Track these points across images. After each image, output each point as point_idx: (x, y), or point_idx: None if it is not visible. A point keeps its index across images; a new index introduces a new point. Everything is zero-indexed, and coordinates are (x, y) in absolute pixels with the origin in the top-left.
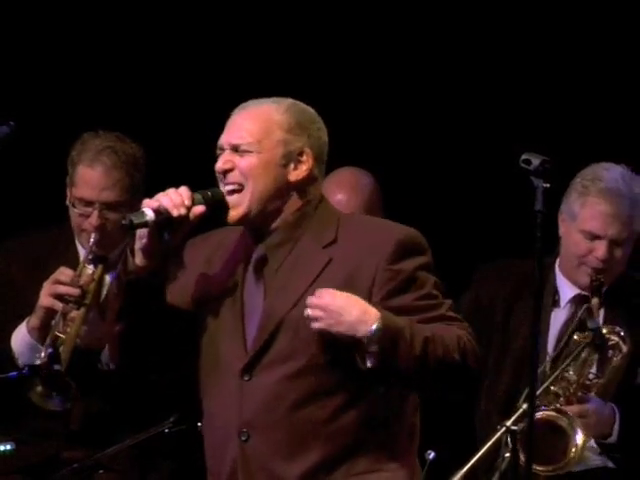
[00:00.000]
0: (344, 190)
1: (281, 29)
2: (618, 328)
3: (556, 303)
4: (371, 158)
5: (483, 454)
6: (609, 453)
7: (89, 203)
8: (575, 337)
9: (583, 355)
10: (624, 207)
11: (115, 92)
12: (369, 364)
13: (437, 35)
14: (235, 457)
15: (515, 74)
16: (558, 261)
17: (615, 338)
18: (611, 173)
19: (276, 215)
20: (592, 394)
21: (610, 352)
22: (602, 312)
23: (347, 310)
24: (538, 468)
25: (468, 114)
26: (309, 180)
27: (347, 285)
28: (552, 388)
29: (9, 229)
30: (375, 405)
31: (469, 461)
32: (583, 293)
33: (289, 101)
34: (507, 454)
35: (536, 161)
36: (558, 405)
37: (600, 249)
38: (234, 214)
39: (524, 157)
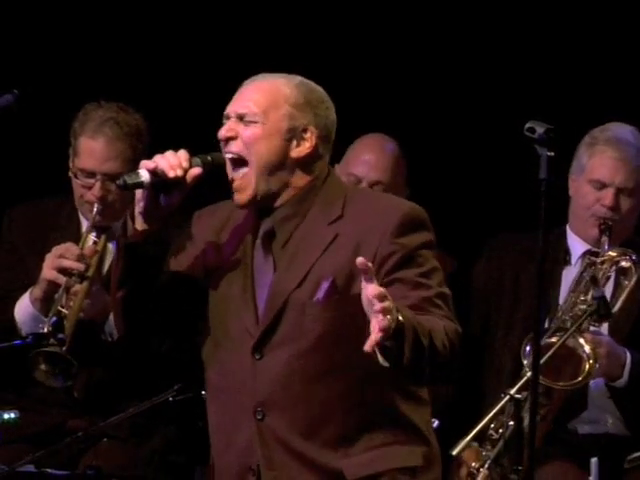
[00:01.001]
0: (373, 151)
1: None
2: (630, 251)
3: (567, 261)
4: (383, 129)
5: (487, 422)
6: (618, 399)
7: (91, 174)
8: (581, 297)
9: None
10: (632, 155)
11: (119, 61)
12: (384, 359)
13: (441, 11)
14: (251, 435)
15: (521, 44)
16: (569, 223)
17: (627, 263)
18: (619, 127)
19: (282, 191)
20: (605, 326)
21: (622, 277)
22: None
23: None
24: (559, 384)
25: (474, 87)
26: (313, 157)
27: (351, 267)
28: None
29: (12, 199)
30: (389, 381)
31: (473, 429)
32: (593, 249)
33: (299, 78)
34: (511, 422)
35: (540, 129)
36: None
37: (607, 197)
38: (240, 198)
39: (528, 125)
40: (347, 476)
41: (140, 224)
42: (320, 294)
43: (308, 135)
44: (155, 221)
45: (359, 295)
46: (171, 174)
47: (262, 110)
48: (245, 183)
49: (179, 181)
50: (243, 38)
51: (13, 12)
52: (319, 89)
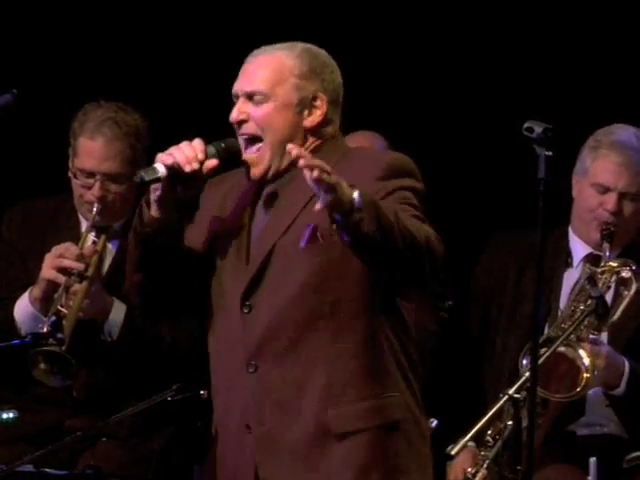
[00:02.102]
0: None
1: None
2: (631, 262)
3: (569, 264)
4: (380, 127)
5: (486, 422)
6: (616, 407)
7: (91, 174)
8: (581, 307)
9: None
10: (635, 160)
11: (119, 61)
12: (348, 236)
13: (439, 11)
14: (245, 390)
15: (521, 43)
16: (571, 225)
17: (627, 273)
18: (623, 130)
19: (296, 160)
20: (604, 334)
21: (622, 288)
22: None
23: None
24: (556, 396)
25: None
26: (324, 123)
27: None
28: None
29: (11, 198)
30: (374, 327)
31: (472, 429)
32: (595, 252)
33: (301, 46)
34: (510, 422)
35: (539, 129)
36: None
37: (610, 202)
38: (256, 171)
39: (527, 125)
40: (333, 429)
41: (155, 212)
42: (303, 240)
43: (318, 103)
44: (171, 209)
45: (341, 242)
46: (188, 168)
47: (269, 87)
48: (260, 156)
49: (196, 174)
50: (240, 36)
51: (13, 12)
52: (322, 53)
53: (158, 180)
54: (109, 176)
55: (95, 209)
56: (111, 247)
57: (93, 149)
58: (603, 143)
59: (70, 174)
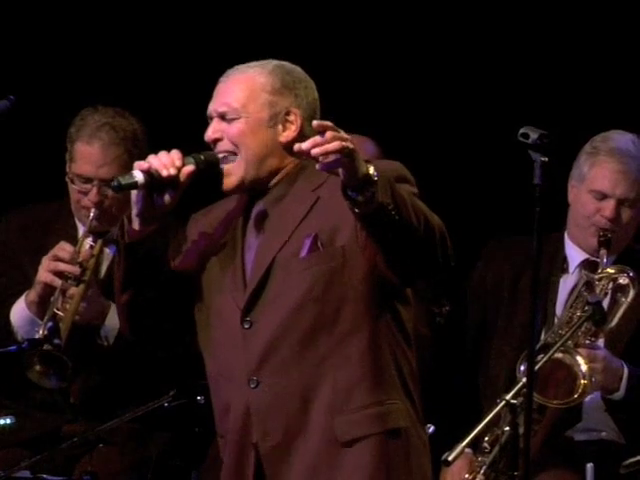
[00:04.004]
0: None
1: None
2: (628, 269)
3: (565, 269)
4: (375, 133)
5: (482, 428)
6: (614, 412)
7: (88, 180)
8: (578, 313)
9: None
10: (633, 167)
11: (117, 66)
12: (360, 209)
13: (438, 15)
14: (247, 406)
15: (517, 49)
16: (567, 230)
17: (624, 280)
18: (621, 136)
19: (273, 175)
20: (601, 340)
21: (619, 294)
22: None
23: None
24: (553, 402)
25: (470, 92)
26: (301, 138)
27: (333, 223)
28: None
29: (9, 204)
30: (376, 334)
31: (469, 434)
32: (591, 258)
33: (274, 63)
34: (507, 427)
35: (534, 135)
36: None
37: (608, 208)
38: (228, 182)
39: (522, 131)
40: (339, 437)
41: (137, 225)
42: (304, 251)
43: (292, 118)
44: (152, 222)
45: (342, 248)
46: (164, 173)
47: (241, 104)
48: (233, 168)
49: (173, 180)
50: (238, 40)
51: (10, 17)
52: (296, 69)
53: (135, 185)
54: (106, 181)
55: (92, 214)
56: (109, 252)
57: (90, 154)
58: (601, 149)
59: (67, 179)
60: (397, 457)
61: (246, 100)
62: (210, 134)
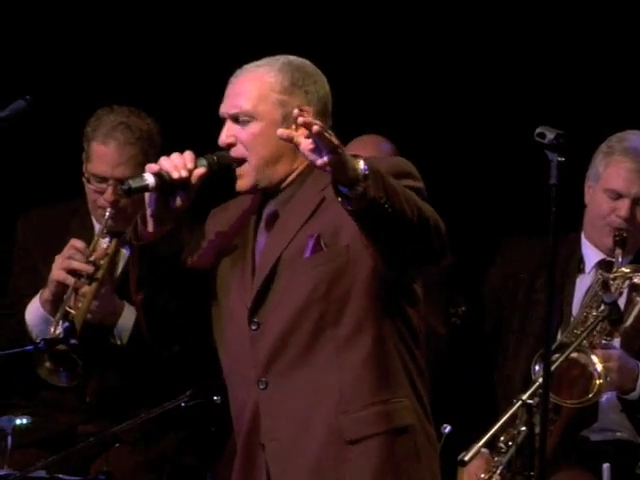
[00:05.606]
0: (369, 151)
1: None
2: None
3: (581, 270)
4: (391, 133)
5: (499, 428)
6: (630, 412)
7: (103, 179)
8: (594, 313)
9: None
10: None
11: (133, 66)
12: (352, 204)
13: (452, 14)
14: (257, 406)
15: (534, 48)
16: (583, 231)
17: (639, 279)
18: (637, 136)
19: (287, 175)
20: (617, 340)
21: (634, 294)
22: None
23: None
24: (568, 402)
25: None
26: None
27: (337, 222)
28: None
29: (26, 203)
30: (382, 333)
31: (485, 434)
32: (608, 259)
33: (282, 60)
34: (523, 427)
35: (550, 135)
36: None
37: (623, 208)
38: (241, 184)
39: (538, 131)
40: (345, 436)
41: (151, 226)
42: (307, 251)
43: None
44: (166, 223)
45: (346, 247)
46: (175, 175)
47: (252, 106)
48: (246, 170)
49: (185, 182)
50: (250, 39)
51: (26, 20)
52: (305, 64)
53: (146, 188)
54: (122, 181)
55: (108, 214)
56: (125, 252)
57: (105, 154)
58: (616, 149)
59: (84, 179)
60: (404, 455)
61: (257, 102)
62: (224, 138)
